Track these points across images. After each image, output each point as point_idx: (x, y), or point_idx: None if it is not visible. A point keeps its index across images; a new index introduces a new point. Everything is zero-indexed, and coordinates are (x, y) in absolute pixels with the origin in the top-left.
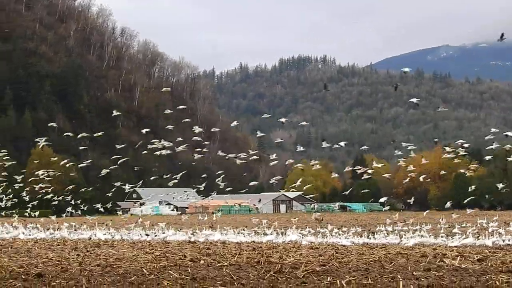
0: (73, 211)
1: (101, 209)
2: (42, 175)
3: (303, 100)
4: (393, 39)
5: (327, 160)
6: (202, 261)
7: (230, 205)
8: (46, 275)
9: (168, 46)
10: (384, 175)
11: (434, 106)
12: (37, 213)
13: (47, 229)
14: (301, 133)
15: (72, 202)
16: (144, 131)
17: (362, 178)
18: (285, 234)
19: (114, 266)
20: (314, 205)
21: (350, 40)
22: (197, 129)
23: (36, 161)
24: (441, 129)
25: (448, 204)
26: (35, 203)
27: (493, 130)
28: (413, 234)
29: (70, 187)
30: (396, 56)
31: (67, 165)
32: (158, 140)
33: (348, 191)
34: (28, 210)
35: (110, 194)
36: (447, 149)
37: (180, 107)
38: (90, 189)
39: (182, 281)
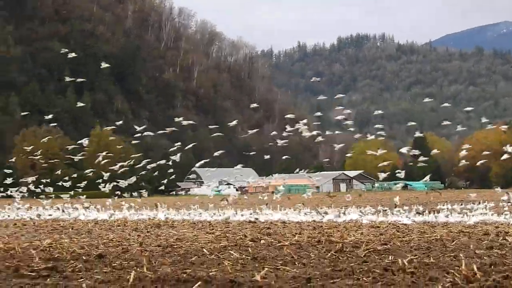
0: (134, 192)
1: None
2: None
3: (362, 78)
4: (451, 16)
5: (387, 138)
6: (262, 241)
7: (290, 184)
8: (107, 256)
9: (226, 26)
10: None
11: (494, 83)
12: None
13: (107, 210)
14: (361, 111)
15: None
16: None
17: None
18: (345, 213)
19: (175, 246)
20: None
21: (408, 18)
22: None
23: (95, 143)
24: (501, 106)
25: None
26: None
27: None
28: (475, 212)
29: (135, 176)
30: (455, 33)
31: (125, 147)
32: (301, 125)
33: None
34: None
35: (170, 176)
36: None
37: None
38: (157, 172)
39: (242, 261)
